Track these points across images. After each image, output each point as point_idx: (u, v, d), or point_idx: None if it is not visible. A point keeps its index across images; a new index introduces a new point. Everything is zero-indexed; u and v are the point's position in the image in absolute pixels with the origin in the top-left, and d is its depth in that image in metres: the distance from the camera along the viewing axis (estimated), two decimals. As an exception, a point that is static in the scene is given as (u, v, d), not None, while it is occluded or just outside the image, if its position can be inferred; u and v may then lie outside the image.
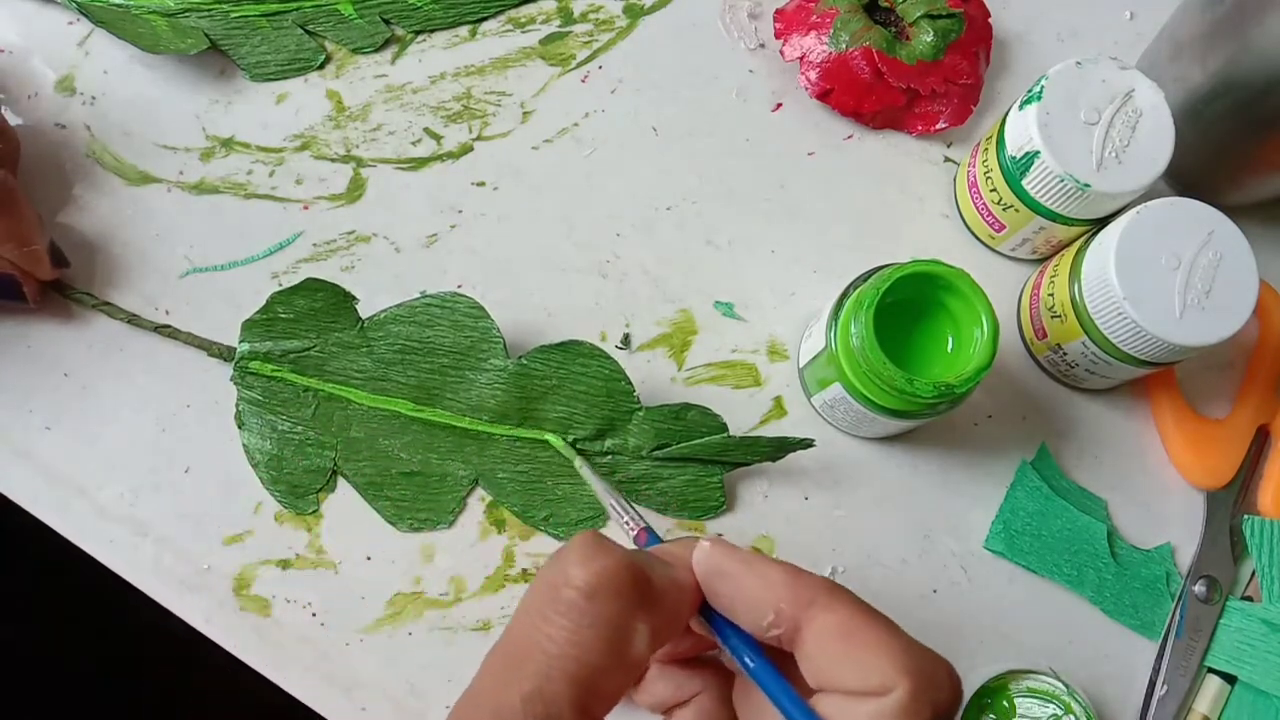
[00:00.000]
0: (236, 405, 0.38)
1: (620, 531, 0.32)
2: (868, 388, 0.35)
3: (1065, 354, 0.39)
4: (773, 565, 0.25)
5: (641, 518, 0.32)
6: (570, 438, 0.38)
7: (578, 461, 0.36)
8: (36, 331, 0.39)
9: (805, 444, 0.38)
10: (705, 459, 0.38)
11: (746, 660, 0.25)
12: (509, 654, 0.24)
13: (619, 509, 0.32)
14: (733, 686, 0.28)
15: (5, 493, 0.37)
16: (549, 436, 0.37)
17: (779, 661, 0.25)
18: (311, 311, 0.37)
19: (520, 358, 0.38)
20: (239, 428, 0.38)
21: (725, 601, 0.25)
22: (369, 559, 0.38)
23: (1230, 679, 0.39)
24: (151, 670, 0.54)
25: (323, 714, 0.36)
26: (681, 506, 0.38)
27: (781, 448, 0.38)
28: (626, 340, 0.40)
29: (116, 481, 0.37)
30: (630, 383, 0.38)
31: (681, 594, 0.25)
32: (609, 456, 0.38)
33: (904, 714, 0.22)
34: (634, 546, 0.30)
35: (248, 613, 0.37)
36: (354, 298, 0.38)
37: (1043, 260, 0.42)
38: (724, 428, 0.38)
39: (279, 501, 0.37)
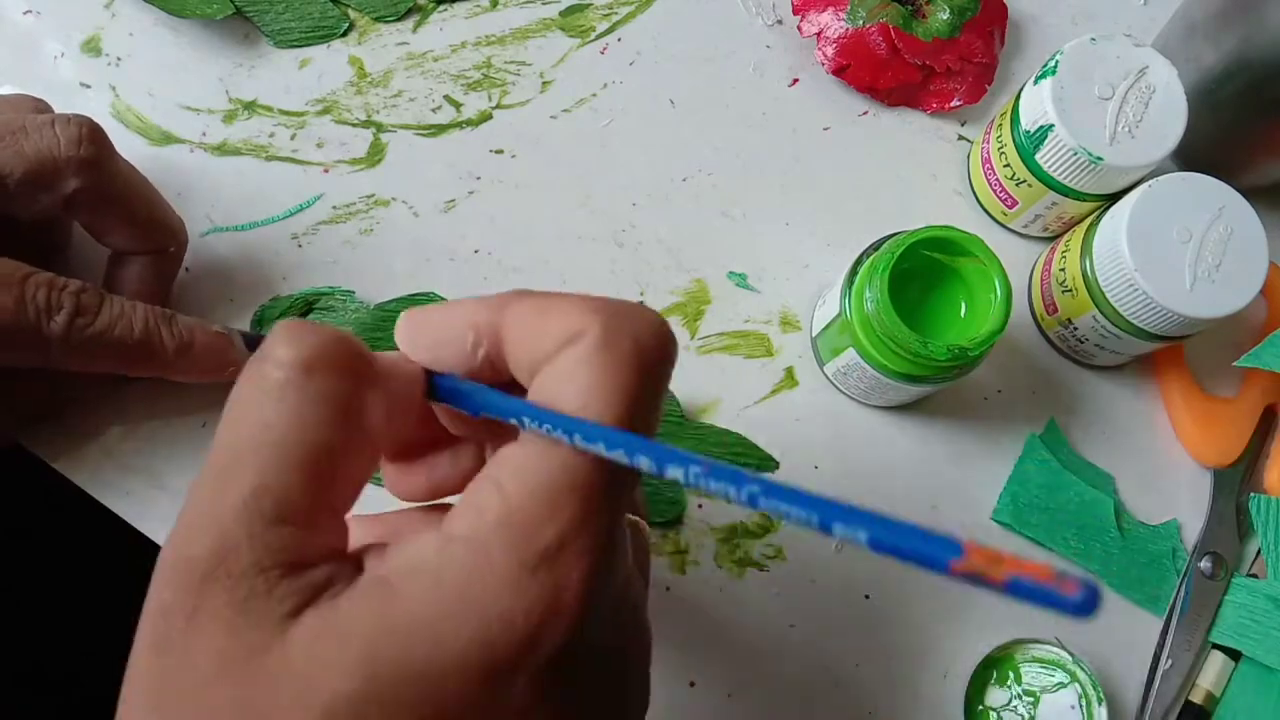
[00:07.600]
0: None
1: None
2: (881, 352, 0.35)
3: (1075, 329, 0.40)
4: (464, 299, 0.23)
5: None
6: None
7: None
8: (58, 285, 0.39)
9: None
10: None
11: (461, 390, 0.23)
12: (221, 464, 0.20)
13: None
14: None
15: (24, 444, 0.37)
16: None
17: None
18: None
19: None
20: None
21: (432, 349, 0.23)
22: (382, 517, 0.38)
23: (1234, 655, 0.39)
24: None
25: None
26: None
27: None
28: (641, 308, 0.41)
29: (134, 435, 0.38)
30: None
31: (408, 373, 0.23)
32: None
33: (600, 349, 0.20)
34: None
35: (261, 566, 0.37)
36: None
37: (1053, 239, 0.42)
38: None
39: None
